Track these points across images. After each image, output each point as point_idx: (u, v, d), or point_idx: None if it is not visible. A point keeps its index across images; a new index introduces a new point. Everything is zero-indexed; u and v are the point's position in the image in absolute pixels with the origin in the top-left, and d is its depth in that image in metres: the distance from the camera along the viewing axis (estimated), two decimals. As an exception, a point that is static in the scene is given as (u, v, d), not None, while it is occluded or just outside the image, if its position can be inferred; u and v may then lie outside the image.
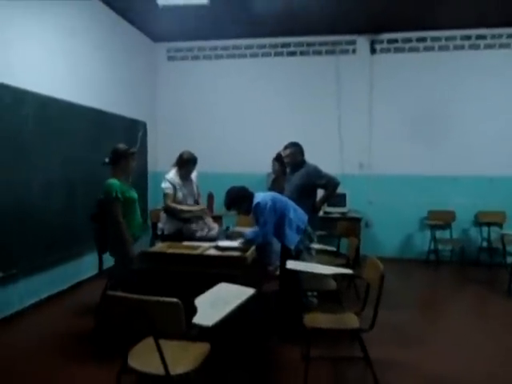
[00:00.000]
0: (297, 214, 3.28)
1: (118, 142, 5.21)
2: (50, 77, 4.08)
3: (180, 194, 3.69)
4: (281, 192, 3.74)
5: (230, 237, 3.34)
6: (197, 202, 3.92)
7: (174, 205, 3.64)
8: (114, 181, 2.98)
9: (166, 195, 3.67)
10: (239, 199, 3.19)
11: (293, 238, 3.20)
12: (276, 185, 4.58)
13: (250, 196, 3.19)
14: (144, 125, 6.02)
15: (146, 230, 3.26)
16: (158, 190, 6.11)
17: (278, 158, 4.88)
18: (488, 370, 2.79)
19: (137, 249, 3.03)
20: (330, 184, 3.85)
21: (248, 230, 3.30)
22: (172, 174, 3.71)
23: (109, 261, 3.41)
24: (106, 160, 3.08)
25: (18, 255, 3.60)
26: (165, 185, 3.68)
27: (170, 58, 6.56)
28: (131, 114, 5.64)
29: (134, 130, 5.75)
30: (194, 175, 3.90)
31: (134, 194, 3.13)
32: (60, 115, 4.11)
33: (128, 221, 2.99)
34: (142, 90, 6.17)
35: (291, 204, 3.33)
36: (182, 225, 3.67)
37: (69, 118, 4.25)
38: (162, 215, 3.78)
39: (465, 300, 4.37)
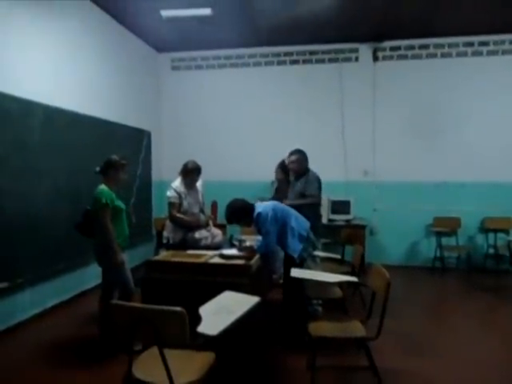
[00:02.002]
0: (298, 222, 3.27)
1: (123, 151, 5.31)
2: (56, 88, 4.13)
3: (185, 203, 3.72)
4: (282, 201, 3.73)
5: (240, 250, 3.29)
6: (202, 211, 3.94)
7: (179, 215, 3.66)
8: (104, 188, 3.02)
9: (171, 204, 3.69)
10: (240, 213, 3.17)
11: (295, 247, 3.19)
12: (279, 193, 4.57)
13: (251, 208, 3.18)
14: (148, 134, 6.06)
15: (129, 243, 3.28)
16: (162, 199, 6.15)
17: (282, 166, 4.88)
18: (497, 379, 2.75)
19: (134, 259, 3.05)
20: (312, 197, 3.82)
21: (256, 241, 3.29)
22: (177, 183, 3.75)
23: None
24: (97, 169, 3.14)
25: (24, 265, 3.61)
26: (170, 193, 3.70)
27: (174, 68, 6.63)
28: (136, 123, 5.69)
29: (138, 139, 5.80)
30: (199, 184, 3.92)
31: (122, 205, 3.15)
32: (66, 125, 4.16)
33: (115, 230, 3.01)
34: (147, 99, 6.23)
35: (292, 212, 3.32)
36: (187, 233, 3.69)
37: (75, 129, 4.29)
38: (168, 224, 3.79)
39: (472, 307, 4.32)
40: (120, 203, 3.13)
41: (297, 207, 3.51)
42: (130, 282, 3.12)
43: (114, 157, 3.17)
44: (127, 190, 5.45)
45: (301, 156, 3.93)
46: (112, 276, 3.10)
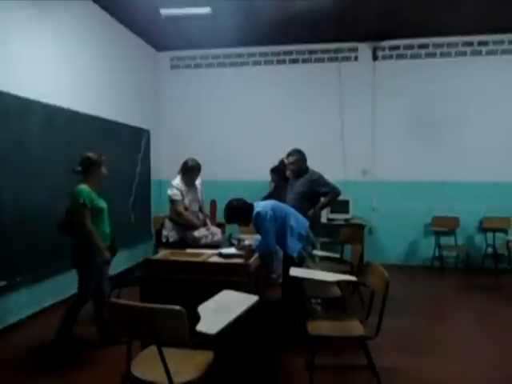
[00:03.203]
0: (298, 221, 3.26)
1: (122, 149, 5.32)
2: (55, 86, 4.12)
3: (186, 200, 3.73)
4: (281, 200, 3.72)
5: (239, 249, 3.28)
6: (201, 209, 3.94)
7: (186, 213, 3.66)
8: (83, 187, 2.96)
9: (175, 202, 3.68)
10: (238, 212, 3.16)
11: (295, 246, 3.19)
12: (276, 193, 4.59)
13: (250, 207, 3.17)
14: (147, 133, 6.06)
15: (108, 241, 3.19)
16: (161, 198, 6.19)
17: (274, 170, 4.91)
18: (497, 378, 2.76)
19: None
20: (333, 192, 3.84)
21: (254, 240, 3.28)
22: (177, 180, 3.75)
23: (113, 268, 3.42)
24: (78, 169, 3.05)
25: (22, 263, 3.61)
26: (172, 191, 3.70)
27: (173, 67, 6.62)
28: (135, 122, 5.68)
29: (137, 137, 5.79)
30: (198, 182, 3.93)
31: (103, 204, 3.08)
32: (65, 124, 4.15)
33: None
34: (146, 98, 6.22)
35: (292, 211, 3.32)
36: (186, 232, 3.69)
37: (73, 127, 4.29)
38: (167, 222, 3.79)
39: (471, 307, 4.33)
40: (101, 202, 3.06)
41: (299, 206, 3.52)
42: (104, 284, 3.11)
43: (92, 154, 3.08)
44: (126, 188, 5.45)
45: (299, 156, 3.92)
46: (88, 278, 3.04)
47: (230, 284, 2.46)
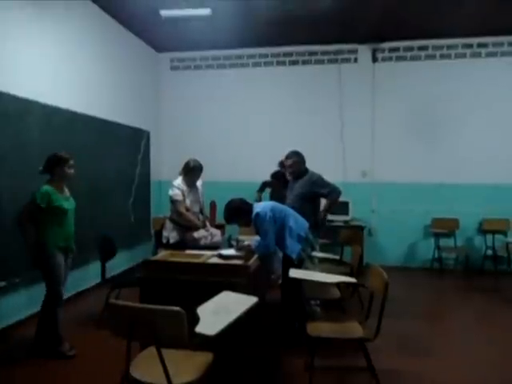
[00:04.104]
0: (297, 223, 3.26)
1: (121, 150, 5.32)
2: (55, 87, 4.12)
3: (188, 201, 3.73)
4: (280, 201, 3.72)
5: (238, 250, 3.27)
6: (201, 211, 3.94)
7: (187, 213, 3.66)
8: (44, 188, 2.91)
9: (176, 202, 3.68)
10: (238, 212, 3.16)
11: (294, 247, 3.18)
12: (277, 186, 4.64)
13: (249, 208, 3.17)
14: (147, 134, 6.06)
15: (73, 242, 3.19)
16: (161, 199, 6.19)
17: (275, 175, 4.92)
18: (496, 380, 2.75)
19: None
20: (333, 193, 3.83)
21: (254, 241, 3.28)
22: (179, 181, 3.75)
23: (113, 269, 3.41)
24: (40, 168, 3.00)
25: (21, 264, 3.59)
26: (173, 192, 3.70)
27: (173, 68, 6.62)
28: (135, 123, 5.68)
29: (137, 138, 5.79)
30: (199, 183, 3.93)
31: (68, 205, 3.04)
32: (64, 125, 4.15)
33: (53, 230, 2.95)
34: (146, 99, 6.22)
35: (291, 213, 3.32)
36: (186, 233, 3.68)
37: (73, 128, 4.28)
38: (168, 223, 3.79)
39: (470, 308, 4.33)
40: (65, 203, 3.02)
41: (298, 207, 3.52)
42: (55, 284, 3.05)
43: (58, 153, 3.04)
44: (126, 189, 5.45)
45: (297, 158, 3.91)
46: (47, 275, 3.03)
47: (230, 285, 2.45)
